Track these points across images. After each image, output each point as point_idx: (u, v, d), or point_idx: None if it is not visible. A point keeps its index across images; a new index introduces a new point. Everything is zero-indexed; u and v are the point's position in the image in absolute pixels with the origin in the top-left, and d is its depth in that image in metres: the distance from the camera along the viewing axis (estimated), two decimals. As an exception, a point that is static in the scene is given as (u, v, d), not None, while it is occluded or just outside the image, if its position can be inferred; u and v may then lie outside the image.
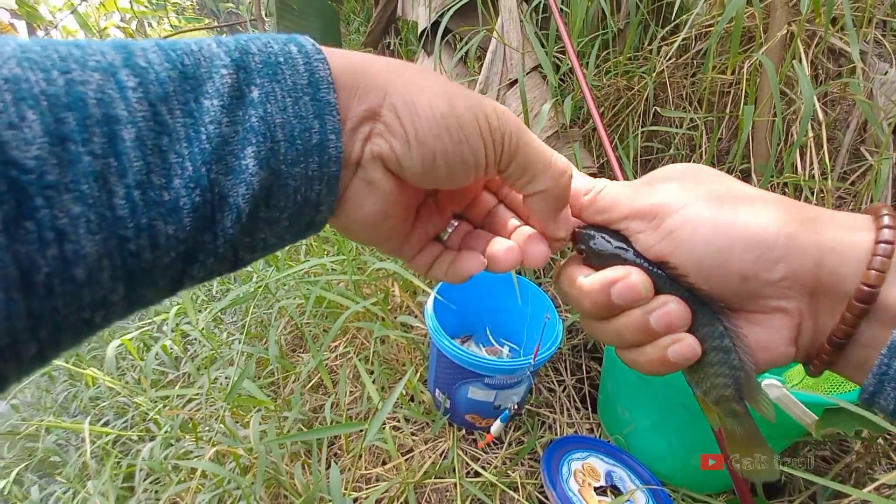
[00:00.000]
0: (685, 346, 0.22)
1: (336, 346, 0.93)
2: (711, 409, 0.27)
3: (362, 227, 0.21)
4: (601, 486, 0.72)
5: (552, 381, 0.92)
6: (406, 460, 0.76)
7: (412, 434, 0.81)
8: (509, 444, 0.79)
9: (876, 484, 0.55)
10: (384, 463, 0.75)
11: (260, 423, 0.70)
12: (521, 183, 0.22)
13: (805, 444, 0.75)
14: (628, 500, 0.70)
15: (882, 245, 0.20)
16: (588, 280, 0.23)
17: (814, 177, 0.83)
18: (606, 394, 0.82)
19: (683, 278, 0.22)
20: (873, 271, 0.19)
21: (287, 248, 0.97)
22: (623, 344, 0.24)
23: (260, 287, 0.84)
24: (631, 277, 0.22)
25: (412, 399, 0.86)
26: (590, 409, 0.88)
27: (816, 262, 0.21)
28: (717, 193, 0.22)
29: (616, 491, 0.72)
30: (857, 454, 0.70)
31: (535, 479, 0.72)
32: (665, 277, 0.23)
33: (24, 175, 0.13)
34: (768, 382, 0.54)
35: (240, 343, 0.97)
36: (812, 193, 0.86)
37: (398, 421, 0.81)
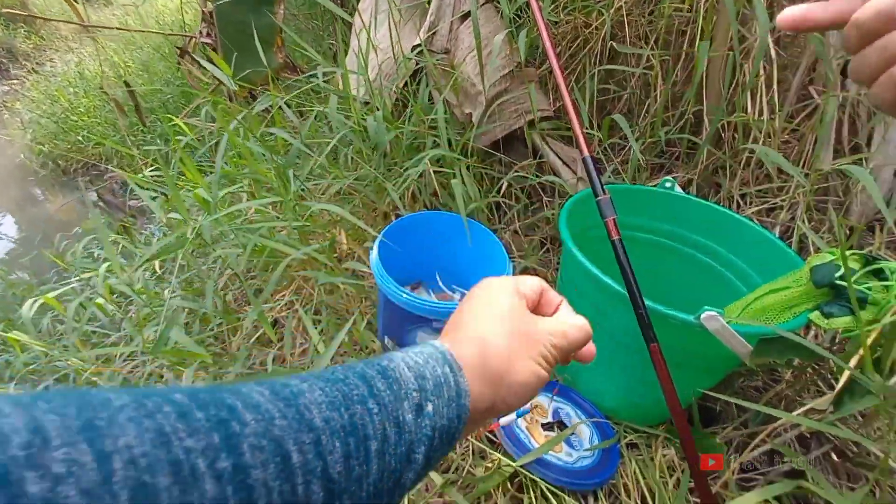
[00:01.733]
0: None
1: (282, 297, 0.89)
2: None
3: None
4: (548, 423, 0.73)
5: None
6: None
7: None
8: (460, 388, 0.79)
9: (805, 408, 0.57)
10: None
11: (194, 378, 0.66)
12: None
13: (739, 374, 0.79)
14: (573, 434, 0.72)
15: None
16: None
17: (762, 117, 0.83)
18: (557, 336, 0.83)
19: None
20: None
21: (225, 192, 0.90)
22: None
23: (196, 234, 0.78)
24: None
25: (364, 349, 0.84)
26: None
27: None
28: None
29: (563, 426, 0.73)
30: (787, 383, 0.74)
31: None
32: None
33: (333, 484, 0.19)
34: (707, 315, 0.55)
35: (181, 299, 0.91)
36: (760, 133, 0.86)
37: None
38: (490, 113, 1.03)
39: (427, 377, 0.24)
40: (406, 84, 1.12)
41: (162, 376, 0.84)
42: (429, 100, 1.03)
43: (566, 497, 0.62)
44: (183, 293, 0.99)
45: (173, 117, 1.23)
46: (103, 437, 0.15)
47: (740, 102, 0.89)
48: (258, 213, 0.89)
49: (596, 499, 0.65)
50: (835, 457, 0.68)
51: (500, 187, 1.04)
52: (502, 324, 0.28)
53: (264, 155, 0.83)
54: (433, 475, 0.61)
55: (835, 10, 0.28)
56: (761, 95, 0.87)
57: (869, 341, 0.50)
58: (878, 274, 0.55)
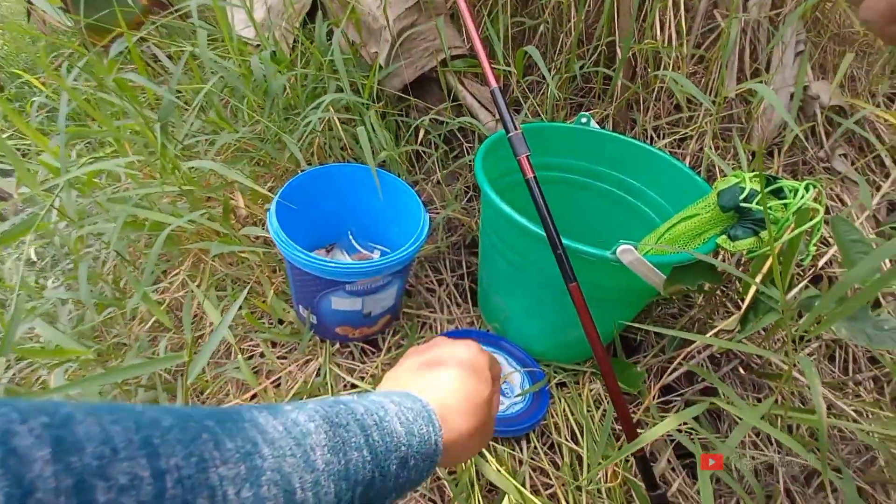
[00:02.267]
0: None
1: (176, 275, 0.78)
2: None
3: None
4: (480, 374, 0.72)
5: (432, 281, 0.89)
6: (275, 385, 0.69)
7: (281, 358, 0.73)
8: (388, 350, 0.75)
9: (715, 330, 0.59)
10: (250, 393, 0.67)
11: (67, 377, 0.57)
12: None
13: (657, 304, 0.82)
14: (504, 382, 0.71)
15: None
16: None
17: (671, 43, 0.81)
18: (483, 286, 0.81)
19: None
20: None
21: (87, 159, 0.76)
22: None
23: (51, 210, 0.65)
24: None
25: (280, 322, 0.77)
26: (470, 303, 0.87)
27: None
28: None
29: (494, 376, 0.72)
30: (700, 307, 0.77)
31: (414, 380, 0.70)
32: None
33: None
34: (622, 248, 0.54)
35: (64, 289, 0.78)
36: (670, 59, 0.85)
37: (268, 346, 0.72)
38: (398, 52, 0.94)
39: (415, 434, 0.27)
40: (305, 23, 1.00)
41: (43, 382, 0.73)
42: (327, 38, 0.91)
43: (498, 445, 0.61)
44: (67, 281, 0.85)
45: (23, 73, 1.02)
46: (159, 456, 0.16)
47: (650, 31, 0.87)
48: (132, 180, 0.76)
49: (529, 441, 0.65)
50: (742, 371, 0.72)
51: (418, 135, 0.97)
52: (475, 414, 0.31)
53: (128, 110, 0.69)
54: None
55: None
56: (669, 22, 0.86)
57: (767, 265, 0.52)
58: (778, 194, 0.56)
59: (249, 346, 0.74)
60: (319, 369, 0.69)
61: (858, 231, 0.50)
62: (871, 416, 0.59)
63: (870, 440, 0.53)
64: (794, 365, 0.54)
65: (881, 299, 0.55)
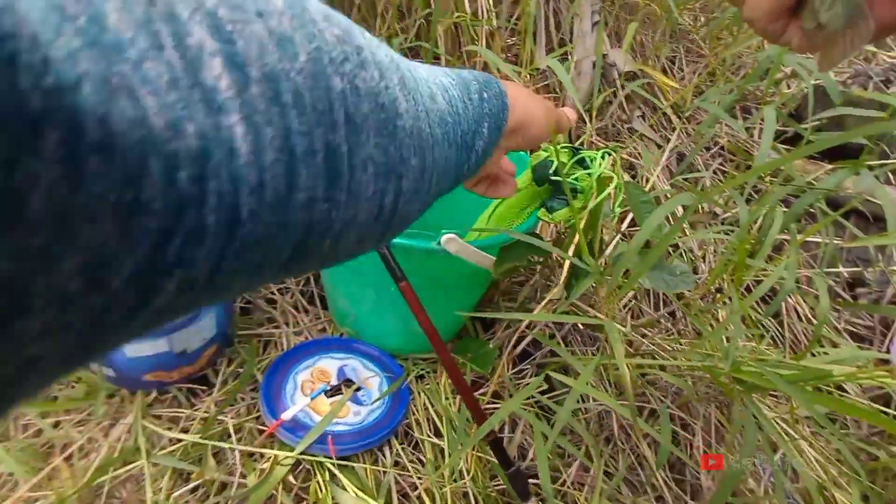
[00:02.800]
0: None
1: None
2: None
3: None
4: (335, 386, 0.67)
5: (273, 291, 0.80)
6: (68, 462, 0.55)
7: (78, 425, 0.59)
8: (223, 385, 0.65)
9: (544, 302, 0.62)
10: (35, 479, 0.53)
11: None
12: None
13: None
14: (360, 388, 0.67)
15: None
16: None
17: (479, 16, 0.81)
18: (328, 289, 0.75)
19: None
20: None
21: None
22: None
23: None
24: None
25: (70, 385, 0.62)
26: (320, 306, 0.80)
27: None
28: None
29: (350, 383, 0.68)
30: (539, 272, 0.81)
31: (257, 413, 0.62)
32: None
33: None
34: (446, 238, 0.52)
35: None
36: (482, 33, 0.85)
37: (63, 415, 0.58)
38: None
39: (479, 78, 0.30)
40: None
41: None
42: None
43: (356, 464, 0.58)
44: None
45: None
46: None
47: (461, 5, 0.86)
48: None
49: (391, 446, 0.62)
50: (581, 326, 0.78)
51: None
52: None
53: None
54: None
55: None
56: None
57: (581, 226, 0.54)
58: (583, 164, 0.59)
59: (27, 421, 0.58)
60: (130, 428, 0.57)
61: (646, 193, 0.55)
62: (672, 349, 0.67)
63: (671, 378, 0.60)
64: (613, 319, 0.58)
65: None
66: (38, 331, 0.10)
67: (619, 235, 0.72)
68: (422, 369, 0.72)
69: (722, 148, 1.01)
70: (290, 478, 0.55)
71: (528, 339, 0.73)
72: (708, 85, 1.06)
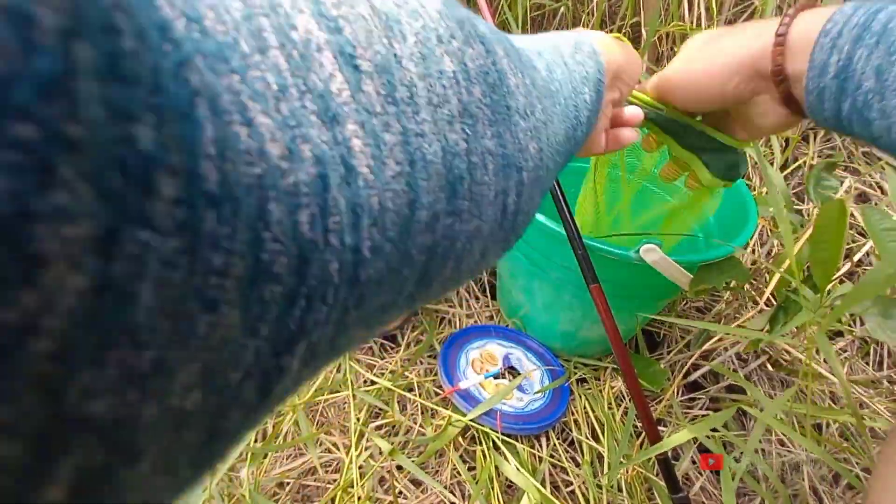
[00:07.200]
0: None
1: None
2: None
3: None
4: (500, 371, 0.72)
5: (450, 275, 0.89)
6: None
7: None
8: (407, 346, 0.76)
9: (741, 320, 0.57)
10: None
11: None
12: None
13: (682, 298, 0.80)
14: (525, 379, 0.71)
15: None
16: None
17: (700, 24, 0.77)
18: (502, 280, 0.80)
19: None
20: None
21: None
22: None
23: None
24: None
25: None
26: (489, 297, 0.87)
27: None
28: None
29: (514, 371, 0.72)
30: (727, 302, 0.75)
31: (434, 376, 0.70)
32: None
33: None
34: (646, 248, 0.52)
35: None
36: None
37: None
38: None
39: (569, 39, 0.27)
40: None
41: None
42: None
43: (517, 443, 0.62)
44: None
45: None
46: None
47: (677, 12, 0.83)
48: None
49: (548, 439, 0.65)
50: (770, 367, 0.70)
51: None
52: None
53: None
54: (381, 442, 0.59)
55: None
56: (698, 3, 0.81)
57: (796, 250, 0.50)
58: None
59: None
60: (340, 365, 0.70)
61: (890, 218, 0.47)
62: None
63: None
64: (819, 356, 0.52)
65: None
66: (147, 473, 0.07)
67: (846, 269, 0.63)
68: (583, 373, 0.73)
69: None
70: (460, 439, 0.61)
71: (705, 369, 0.68)
72: None
